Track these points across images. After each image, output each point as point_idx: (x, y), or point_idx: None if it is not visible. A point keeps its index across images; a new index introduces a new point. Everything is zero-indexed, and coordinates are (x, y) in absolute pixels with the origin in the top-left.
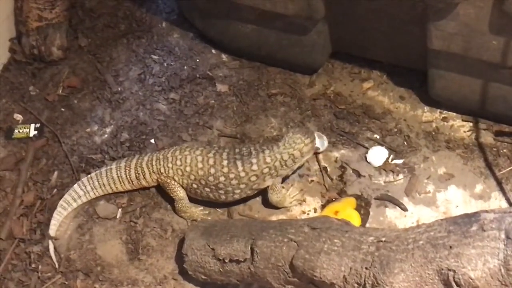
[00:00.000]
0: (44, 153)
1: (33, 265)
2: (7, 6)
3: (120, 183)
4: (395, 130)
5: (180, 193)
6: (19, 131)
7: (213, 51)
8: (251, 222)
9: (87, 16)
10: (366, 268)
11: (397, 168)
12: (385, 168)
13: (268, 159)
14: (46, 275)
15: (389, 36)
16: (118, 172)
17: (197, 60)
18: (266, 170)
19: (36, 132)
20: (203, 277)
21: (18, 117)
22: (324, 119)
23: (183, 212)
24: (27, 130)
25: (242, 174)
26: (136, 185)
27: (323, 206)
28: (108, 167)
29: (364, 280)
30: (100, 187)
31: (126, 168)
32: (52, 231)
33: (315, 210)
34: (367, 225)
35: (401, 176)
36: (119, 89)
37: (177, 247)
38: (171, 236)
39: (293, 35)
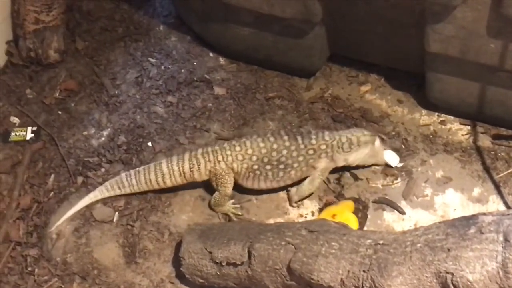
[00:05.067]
0: (40, 156)
1: (29, 269)
2: (4, 9)
3: (170, 177)
4: (393, 133)
5: (229, 190)
6: (15, 134)
7: (211, 54)
8: (249, 225)
9: (84, 19)
10: (364, 271)
11: (395, 171)
12: (383, 171)
13: (327, 137)
14: (42, 279)
15: (387, 39)
16: (170, 165)
17: (195, 63)
18: (323, 146)
19: (33, 135)
20: (200, 280)
21: (15, 120)
22: (322, 122)
23: (219, 205)
24: (24, 133)
25: (302, 146)
26: (188, 178)
27: (320, 209)
28: (157, 162)
29: (362, 283)
30: (145, 183)
31: (179, 161)
32: (85, 202)
33: (313, 213)
34: (365, 228)
35: (399, 179)
36: (116, 92)
37: (174, 250)
38: (168, 240)
39: (291, 38)
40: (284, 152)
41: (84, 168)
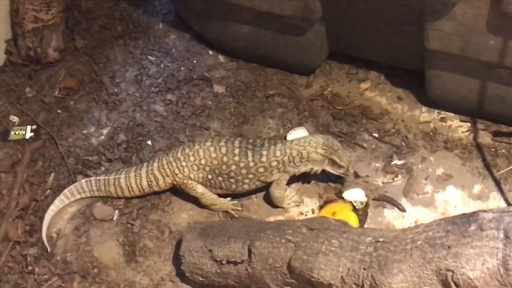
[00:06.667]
0: (40, 155)
1: (29, 268)
2: (3, 8)
3: (130, 192)
4: (393, 130)
5: (199, 189)
6: (15, 133)
7: (210, 52)
8: (249, 223)
9: (83, 18)
10: (364, 269)
11: (396, 168)
12: (383, 168)
13: (278, 153)
14: (42, 278)
15: (387, 37)
16: (128, 182)
17: (194, 61)
18: (274, 163)
19: (32, 134)
20: (201, 278)
21: (14, 119)
22: (322, 120)
23: (211, 205)
24: (24, 132)
25: (251, 164)
26: (148, 192)
27: (321, 207)
28: (117, 176)
29: (362, 281)
30: (106, 192)
31: (137, 177)
32: (49, 215)
33: (313, 211)
34: (365, 226)
35: (399, 176)
36: (116, 90)
37: (175, 248)
38: (168, 238)
39: (290, 36)
40: (233, 167)
41: (84, 167)
